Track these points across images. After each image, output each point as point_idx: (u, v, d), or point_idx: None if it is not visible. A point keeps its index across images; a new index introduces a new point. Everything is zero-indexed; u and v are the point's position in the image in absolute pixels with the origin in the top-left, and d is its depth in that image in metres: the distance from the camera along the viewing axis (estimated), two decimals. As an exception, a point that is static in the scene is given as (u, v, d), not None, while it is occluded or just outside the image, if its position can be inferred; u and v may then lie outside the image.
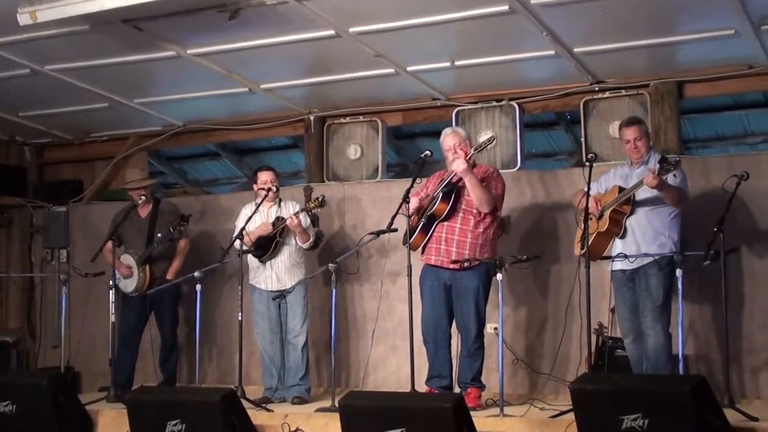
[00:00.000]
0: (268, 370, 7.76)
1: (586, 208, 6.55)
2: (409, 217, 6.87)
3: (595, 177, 6.76)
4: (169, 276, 8.17)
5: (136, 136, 9.85)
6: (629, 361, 6.78)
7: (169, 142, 9.91)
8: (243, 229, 7.55)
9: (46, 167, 10.49)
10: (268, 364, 7.76)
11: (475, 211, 6.87)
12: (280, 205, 7.86)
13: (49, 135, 9.96)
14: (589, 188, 6.56)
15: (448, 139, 7.04)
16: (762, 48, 7.16)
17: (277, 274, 7.72)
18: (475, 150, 6.89)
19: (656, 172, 6.30)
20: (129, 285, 8.17)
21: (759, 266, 7.29)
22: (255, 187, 7.86)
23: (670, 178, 6.46)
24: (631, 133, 6.78)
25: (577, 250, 6.90)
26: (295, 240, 7.71)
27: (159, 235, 8.10)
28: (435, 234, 6.94)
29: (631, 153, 6.82)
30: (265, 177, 7.79)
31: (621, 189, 6.73)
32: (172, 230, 8.08)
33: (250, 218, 7.63)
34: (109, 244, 8.16)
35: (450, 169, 6.96)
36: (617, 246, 6.74)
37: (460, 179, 6.84)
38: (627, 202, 6.67)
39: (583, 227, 6.61)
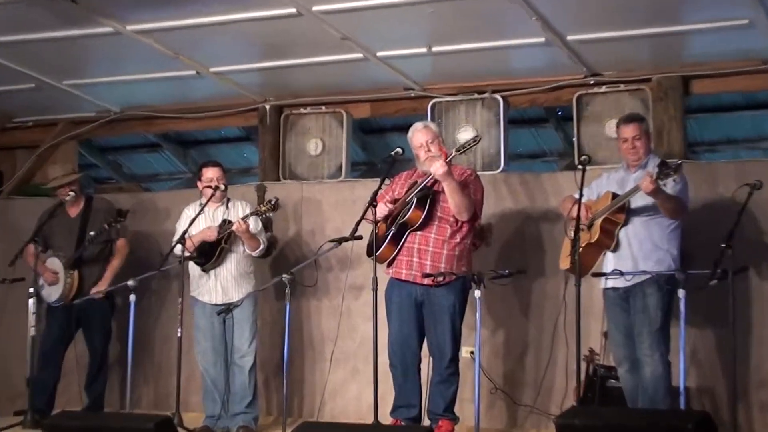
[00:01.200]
0: (210, 394, 7.66)
1: (578, 216, 6.46)
2: (375, 224, 6.75)
3: (588, 182, 6.68)
4: (100, 287, 7.99)
5: (65, 123, 9.80)
6: (623, 393, 6.75)
7: (103, 131, 9.84)
8: (185, 232, 7.49)
9: (-39, 156, 10.35)
10: (210, 388, 7.66)
11: (451, 219, 6.79)
12: (228, 206, 7.80)
13: (-36, 119, 9.84)
14: (581, 195, 6.49)
15: (419, 135, 6.95)
16: (778, 41, 7.17)
17: (222, 285, 7.64)
18: (457, 151, 6.81)
19: (654, 177, 6.23)
20: (53, 293, 8.09)
21: (770, 288, 7.29)
22: (200, 184, 7.79)
23: (670, 185, 6.37)
24: (629, 130, 6.73)
25: (563, 265, 6.86)
26: (244, 247, 7.59)
27: (92, 233, 7.99)
28: (406, 245, 6.84)
29: (628, 153, 6.77)
30: (211, 174, 7.70)
31: (615, 195, 6.67)
32: (107, 227, 7.98)
33: (193, 220, 7.57)
34: (31, 246, 8.03)
35: (422, 169, 6.89)
36: (609, 260, 6.70)
37: (436, 182, 6.74)
38: (621, 211, 6.61)
39: (572, 238, 6.52)
